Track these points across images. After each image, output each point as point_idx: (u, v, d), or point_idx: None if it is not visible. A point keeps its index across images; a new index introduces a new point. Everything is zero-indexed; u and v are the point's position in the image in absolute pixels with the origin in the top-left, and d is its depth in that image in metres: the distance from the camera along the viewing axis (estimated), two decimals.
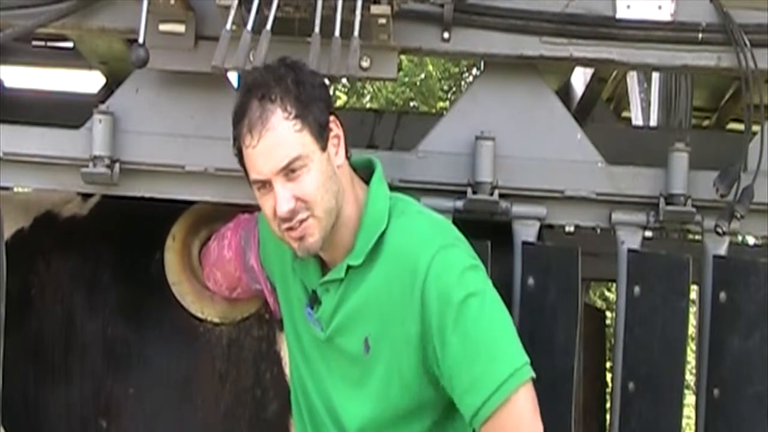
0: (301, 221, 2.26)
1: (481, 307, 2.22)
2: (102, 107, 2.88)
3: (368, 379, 2.33)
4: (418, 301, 2.23)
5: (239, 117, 2.26)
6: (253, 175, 2.28)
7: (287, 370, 3.04)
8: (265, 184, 2.27)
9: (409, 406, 2.32)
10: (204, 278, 3.00)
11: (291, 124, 2.23)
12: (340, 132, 2.33)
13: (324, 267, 2.42)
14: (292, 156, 2.22)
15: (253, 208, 3.02)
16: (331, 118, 2.30)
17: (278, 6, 2.50)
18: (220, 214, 3.05)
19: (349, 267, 2.33)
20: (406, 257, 2.27)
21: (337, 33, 2.46)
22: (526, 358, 2.22)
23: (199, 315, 3.04)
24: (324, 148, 2.27)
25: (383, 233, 2.31)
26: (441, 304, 2.21)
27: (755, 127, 2.86)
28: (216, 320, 3.05)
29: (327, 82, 2.40)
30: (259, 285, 2.76)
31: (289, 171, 2.23)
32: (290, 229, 2.27)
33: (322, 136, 2.27)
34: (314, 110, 2.26)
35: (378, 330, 2.30)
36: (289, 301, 2.53)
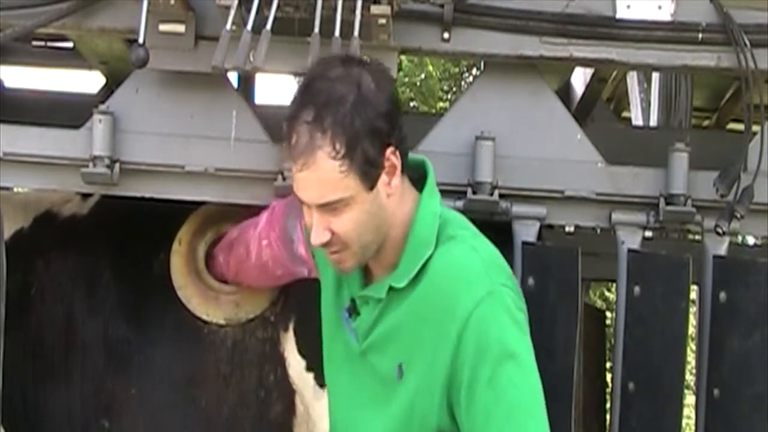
0: (336, 251, 2.16)
1: (517, 372, 2.10)
2: (102, 107, 2.88)
3: (394, 403, 2.22)
4: (453, 342, 2.11)
5: (288, 129, 2.11)
6: (294, 189, 2.16)
7: (291, 372, 3.04)
8: (304, 202, 2.15)
9: None
10: (228, 274, 3.01)
11: (337, 164, 2.06)
12: (398, 161, 2.14)
13: (366, 274, 2.29)
14: (332, 198, 2.09)
15: (253, 208, 3.02)
16: (389, 150, 2.11)
17: (278, 6, 2.50)
18: (226, 216, 3.06)
19: (390, 288, 2.21)
20: (446, 293, 2.14)
21: (337, 33, 2.46)
22: None
23: (205, 317, 3.04)
24: (372, 187, 2.11)
25: (429, 258, 2.17)
26: (478, 356, 2.09)
27: (755, 127, 2.86)
28: (221, 322, 3.05)
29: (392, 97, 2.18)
30: (305, 268, 2.71)
31: (329, 207, 2.11)
32: (328, 251, 2.18)
33: (370, 175, 2.10)
34: (367, 148, 2.08)
35: (411, 357, 2.19)
36: (330, 300, 2.40)
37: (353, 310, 2.29)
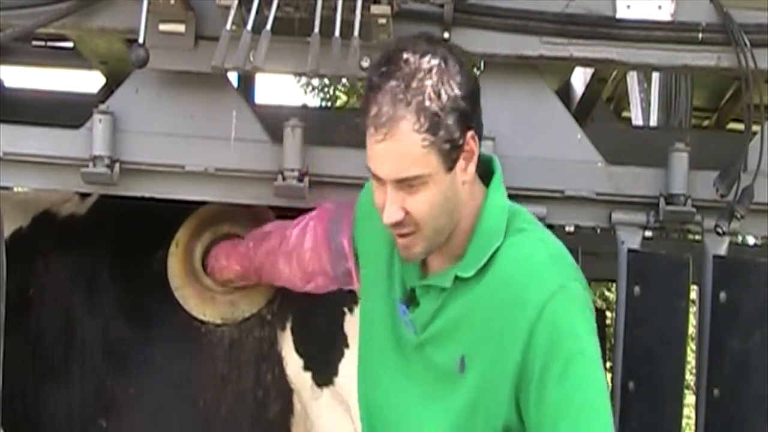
0: (407, 234, 2.10)
1: (588, 370, 2.07)
2: (102, 107, 2.88)
3: (454, 398, 2.14)
4: (524, 335, 2.06)
5: (369, 99, 2.04)
6: (369, 164, 2.09)
7: (288, 371, 3.04)
8: (378, 178, 2.09)
9: None
10: (247, 267, 2.99)
11: (420, 138, 2.01)
12: (476, 148, 2.10)
13: (424, 266, 2.23)
14: (412, 174, 2.03)
15: (252, 209, 3.03)
16: (470, 133, 2.07)
17: (278, 6, 2.49)
18: (222, 218, 3.06)
19: (456, 277, 2.15)
20: (517, 284, 2.10)
21: (337, 33, 2.46)
22: None
23: (202, 317, 3.04)
24: (451, 168, 2.06)
25: (498, 249, 2.13)
26: (550, 350, 2.05)
27: (755, 127, 2.86)
28: (218, 321, 3.05)
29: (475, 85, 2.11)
30: (346, 264, 2.65)
31: (405, 184, 2.05)
32: (398, 233, 2.12)
33: (450, 156, 2.05)
34: (450, 127, 2.03)
35: (474, 350, 2.12)
36: (378, 293, 2.32)
37: (412, 301, 2.22)
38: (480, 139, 2.12)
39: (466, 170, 2.10)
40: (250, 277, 3.03)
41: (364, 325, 2.36)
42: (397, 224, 2.08)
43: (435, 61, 2.03)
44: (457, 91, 2.04)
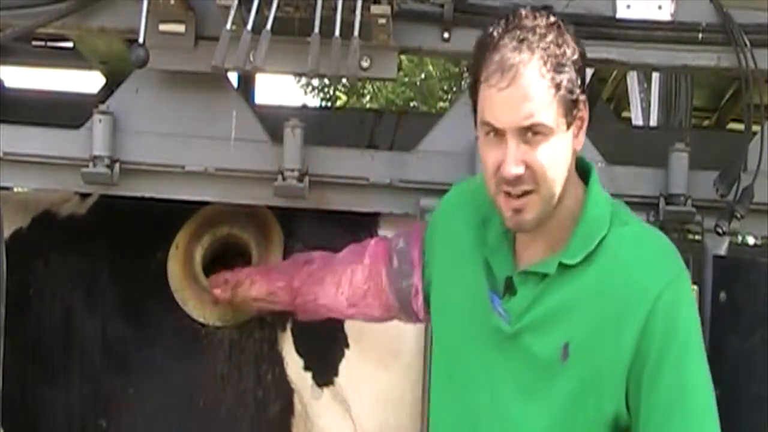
0: (524, 193, 2.05)
1: (698, 363, 2.07)
2: (102, 107, 2.88)
3: (557, 388, 2.09)
4: (640, 322, 2.03)
5: (491, 48, 2.03)
6: (487, 118, 2.04)
7: (289, 371, 3.04)
8: (497, 133, 2.04)
9: (591, 428, 2.12)
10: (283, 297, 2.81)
11: (546, 84, 2.01)
12: (587, 116, 2.11)
13: (517, 256, 2.19)
14: (537, 120, 2.01)
15: (251, 208, 3.02)
16: (583, 97, 2.08)
17: (278, 6, 2.50)
18: (222, 220, 3.06)
19: (560, 264, 2.11)
20: (631, 272, 2.07)
21: (337, 33, 2.46)
22: None
23: (201, 320, 3.04)
24: (569, 125, 2.06)
25: (602, 238, 2.10)
26: (665, 339, 2.03)
27: (755, 127, 2.86)
28: (218, 324, 3.04)
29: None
30: (411, 279, 2.49)
31: (528, 133, 2.02)
32: (508, 195, 2.06)
33: (571, 111, 2.05)
34: (571, 80, 2.04)
35: (581, 339, 2.08)
36: (457, 285, 2.27)
37: (507, 290, 2.16)
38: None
39: (578, 138, 2.11)
40: (282, 298, 2.82)
41: (441, 318, 2.32)
42: (516, 180, 2.04)
43: (552, 20, 2.06)
44: (575, 49, 2.06)
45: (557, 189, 2.07)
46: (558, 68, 2.02)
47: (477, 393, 2.18)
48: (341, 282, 2.65)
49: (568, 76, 2.04)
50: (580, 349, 2.07)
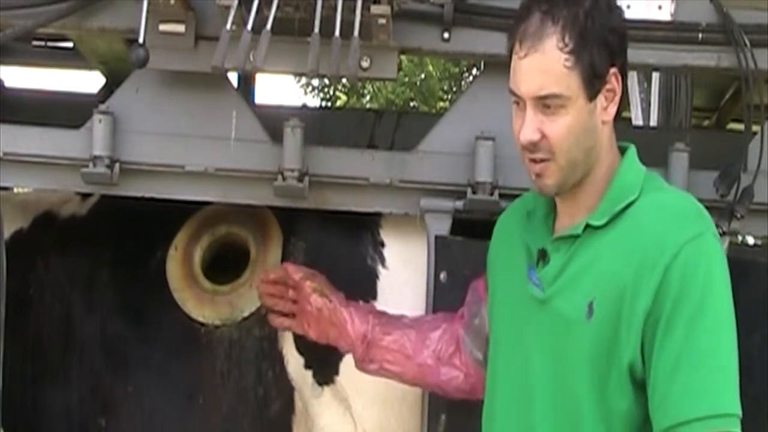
0: (541, 159, 2.12)
1: (713, 322, 2.06)
2: (102, 107, 2.88)
3: (585, 345, 2.12)
4: (658, 276, 2.05)
5: (519, 19, 2.11)
6: (510, 86, 2.13)
7: (289, 369, 3.04)
8: (519, 102, 2.12)
9: (621, 384, 2.12)
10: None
11: (563, 57, 2.06)
12: (619, 89, 2.14)
13: (554, 227, 2.25)
14: (550, 91, 2.07)
15: (252, 208, 3.02)
16: (612, 70, 2.11)
17: (278, 6, 2.50)
18: (221, 221, 3.06)
19: (587, 226, 2.15)
20: (655, 228, 2.10)
21: (337, 33, 2.46)
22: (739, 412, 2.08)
23: (201, 319, 3.04)
24: (591, 97, 2.10)
25: (632, 203, 2.14)
26: (680, 294, 2.04)
27: (755, 127, 2.86)
28: (217, 323, 3.05)
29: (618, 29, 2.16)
30: (480, 304, 2.50)
31: (544, 103, 2.08)
32: (531, 160, 2.14)
33: (593, 84, 2.09)
34: (594, 53, 2.07)
35: (602, 292, 2.11)
36: (503, 279, 2.34)
37: (542, 258, 2.22)
38: (624, 81, 2.15)
39: (606, 110, 2.13)
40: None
41: (492, 312, 2.37)
42: (532, 147, 2.11)
43: None
44: (604, 23, 2.09)
45: (578, 158, 2.12)
46: (580, 41, 2.07)
47: (524, 365, 2.22)
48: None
49: (592, 48, 2.07)
50: (602, 305, 2.11)
